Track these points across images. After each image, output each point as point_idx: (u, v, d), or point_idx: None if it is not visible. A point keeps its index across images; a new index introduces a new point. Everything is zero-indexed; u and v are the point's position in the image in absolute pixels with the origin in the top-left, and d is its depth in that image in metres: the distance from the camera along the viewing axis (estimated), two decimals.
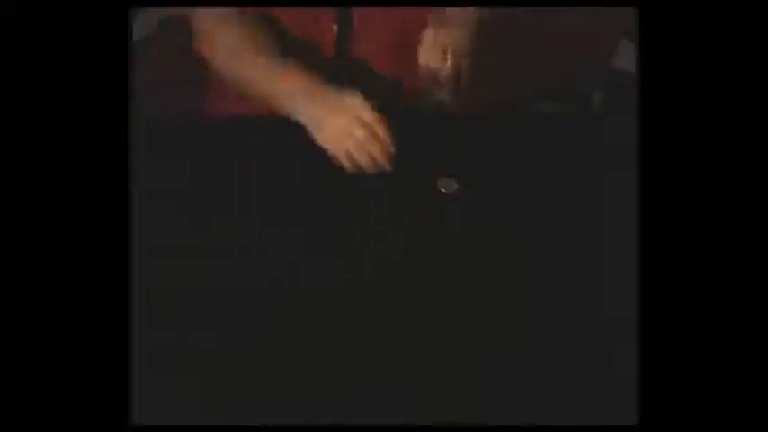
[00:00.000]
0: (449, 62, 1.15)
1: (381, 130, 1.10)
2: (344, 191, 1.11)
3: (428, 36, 1.16)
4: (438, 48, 1.15)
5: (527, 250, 1.05)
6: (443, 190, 1.10)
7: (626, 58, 1.91)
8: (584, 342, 0.95)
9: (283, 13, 1.25)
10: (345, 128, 1.11)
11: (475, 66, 1.18)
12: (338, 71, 1.22)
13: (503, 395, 0.89)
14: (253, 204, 1.09)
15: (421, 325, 0.96)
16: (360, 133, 1.10)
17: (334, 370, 0.91)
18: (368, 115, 1.11)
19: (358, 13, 1.24)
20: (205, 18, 1.26)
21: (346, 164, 1.12)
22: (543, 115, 1.48)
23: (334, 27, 1.24)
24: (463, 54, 1.16)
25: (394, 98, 1.24)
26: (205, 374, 0.89)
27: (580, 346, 0.95)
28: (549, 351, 0.93)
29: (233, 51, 1.23)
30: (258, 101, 1.21)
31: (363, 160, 1.11)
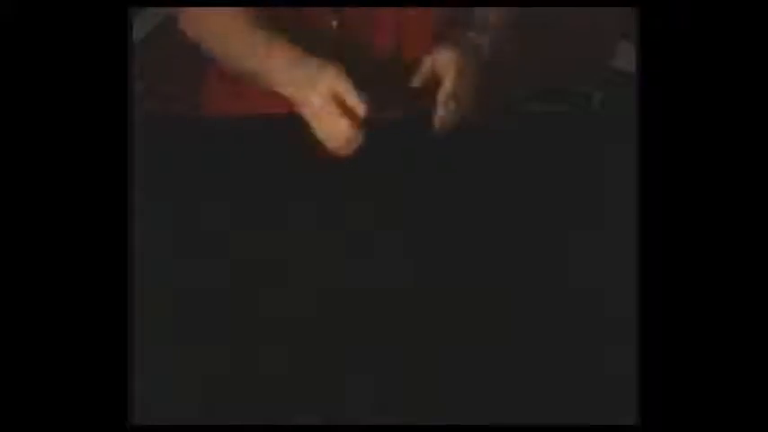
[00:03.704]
0: (448, 87, 1.10)
1: (357, 106, 1.04)
2: (345, 191, 1.11)
3: (428, 61, 1.12)
4: (439, 73, 1.11)
5: (527, 250, 1.05)
6: None
7: (626, 58, 1.91)
8: (584, 342, 0.95)
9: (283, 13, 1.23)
10: (323, 103, 1.06)
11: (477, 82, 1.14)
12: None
13: (502, 395, 0.89)
14: (253, 204, 1.09)
15: (420, 324, 0.96)
16: (334, 109, 1.05)
17: (334, 370, 0.91)
18: (342, 89, 1.05)
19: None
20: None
21: (328, 143, 1.07)
22: (543, 115, 1.48)
23: (334, 23, 1.22)
24: (464, 77, 1.11)
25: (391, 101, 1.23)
26: (205, 374, 0.89)
27: (580, 345, 0.94)
28: (549, 351, 0.93)
29: (225, 31, 1.19)
30: (252, 80, 1.18)
31: (337, 138, 1.06)
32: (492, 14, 1.24)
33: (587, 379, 0.91)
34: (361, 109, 1.05)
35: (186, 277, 0.99)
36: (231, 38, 1.19)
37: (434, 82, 1.12)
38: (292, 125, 1.15)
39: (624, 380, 0.83)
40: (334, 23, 1.22)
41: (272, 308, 0.97)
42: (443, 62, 1.11)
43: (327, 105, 1.06)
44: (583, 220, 1.10)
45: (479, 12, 1.24)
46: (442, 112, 1.11)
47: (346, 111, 1.05)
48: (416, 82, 1.13)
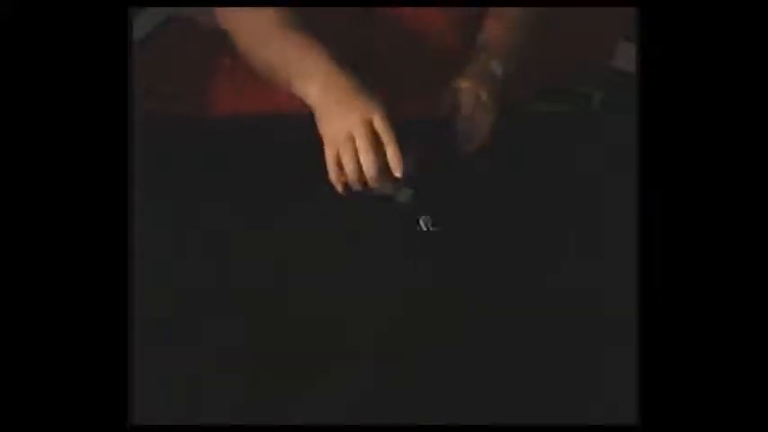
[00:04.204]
0: (465, 115, 1.11)
1: (390, 143, 0.99)
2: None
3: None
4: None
5: (527, 250, 1.05)
6: (402, 200, 1.03)
7: (626, 58, 1.91)
8: (584, 342, 0.95)
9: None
10: (348, 129, 1.00)
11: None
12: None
13: (503, 395, 0.89)
14: (253, 204, 1.09)
15: (420, 325, 0.96)
16: (361, 141, 0.99)
17: (334, 370, 0.91)
18: (379, 123, 0.99)
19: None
20: None
21: (333, 168, 1.02)
22: (543, 115, 1.48)
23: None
24: (482, 105, 1.11)
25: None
26: (205, 374, 0.89)
27: (580, 345, 0.95)
28: (550, 351, 0.93)
29: (261, 28, 1.15)
30: (279, 81, 1.13)
31: (350, 171, 1.01)
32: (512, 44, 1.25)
33: (587, 379, 0.91)
34: (392, 149, 0.99)
35: (186, 277, 0.99)
36: (265, 37, 1.14)
37: (455, 111, 1.12)
38: (293, 125, 1.15)
39: (624, 380, 0.83)
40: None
41: (272, 308, 0.97)
42: (461, 92, 1.12)
43: (350, 137, 1.00)
44: (583, 219, 1.10)
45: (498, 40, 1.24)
46: (462, 138, 1.12)
47: (375, 145, 0.99)
48: (440, 113, 1.13)
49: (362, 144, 0.99)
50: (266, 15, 1.16)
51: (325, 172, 1.09)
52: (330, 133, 1.03)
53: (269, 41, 1.15)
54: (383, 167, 1.00)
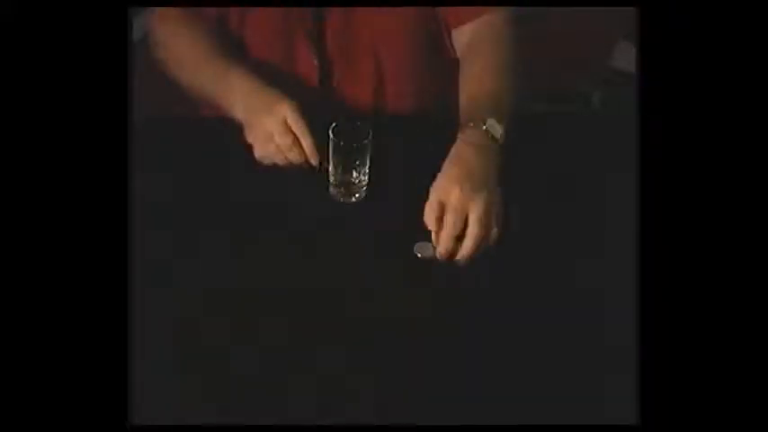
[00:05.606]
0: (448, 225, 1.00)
1: (304, 138, 1.09)
2: None
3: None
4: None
5: (527, 250, 1.05)
6: (419, 255, 1.01)
7: (626, 58, 1.91)
8: (584, 342, 0.95)
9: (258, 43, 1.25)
10: (269, 130, 1.09)
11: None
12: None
13: (503, 395, 0.89)
14: (252, 204, 1.09)
15: (419, 324, 0.96)
16: (281, 140, 1.09)
17: (334, 370, 0.91)
18: (292, 120, 1.09)
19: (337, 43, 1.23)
20: (162, 27, 1.27)
21: (268, 164, 1.11)
22: (543, 115, 1.48)
23: (314, 61, 1.23)
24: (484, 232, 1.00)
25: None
26: (205, 374, 0.89)
27: (580, 345, 0.94)
28: (550, 351, 0.93)
29: (184, 56, 1.23)
30: (205, 100, 1.21)
31: (282, 164, 1.10)
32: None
33: (587, 379, 0.91)
34: (306, 143, 1.08)
35: (186, 278, 0.99)
36: (193, 66, 1.22)
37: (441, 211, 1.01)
38: None
39: (624, 380, 0.83)
40: (315, 61, 1.22)
41: (272, 308, 0.97)
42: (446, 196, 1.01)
43: (271, 138, 1.09)
44: (583, 219, 1.10)
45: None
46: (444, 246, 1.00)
47: (292, 143, 1.09)
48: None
49: (282, 142, 1.09)
50: (190, 42, 1.23)
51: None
52: (254, 139, 1.11)
53: (194, 69, 1.22)
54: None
